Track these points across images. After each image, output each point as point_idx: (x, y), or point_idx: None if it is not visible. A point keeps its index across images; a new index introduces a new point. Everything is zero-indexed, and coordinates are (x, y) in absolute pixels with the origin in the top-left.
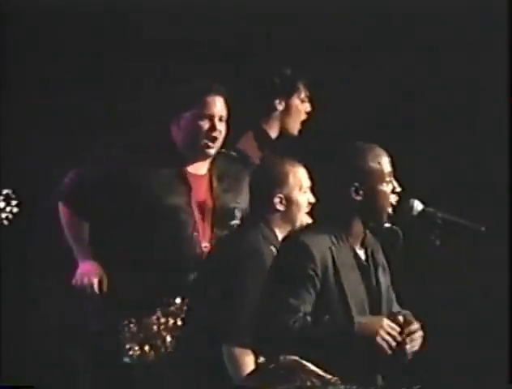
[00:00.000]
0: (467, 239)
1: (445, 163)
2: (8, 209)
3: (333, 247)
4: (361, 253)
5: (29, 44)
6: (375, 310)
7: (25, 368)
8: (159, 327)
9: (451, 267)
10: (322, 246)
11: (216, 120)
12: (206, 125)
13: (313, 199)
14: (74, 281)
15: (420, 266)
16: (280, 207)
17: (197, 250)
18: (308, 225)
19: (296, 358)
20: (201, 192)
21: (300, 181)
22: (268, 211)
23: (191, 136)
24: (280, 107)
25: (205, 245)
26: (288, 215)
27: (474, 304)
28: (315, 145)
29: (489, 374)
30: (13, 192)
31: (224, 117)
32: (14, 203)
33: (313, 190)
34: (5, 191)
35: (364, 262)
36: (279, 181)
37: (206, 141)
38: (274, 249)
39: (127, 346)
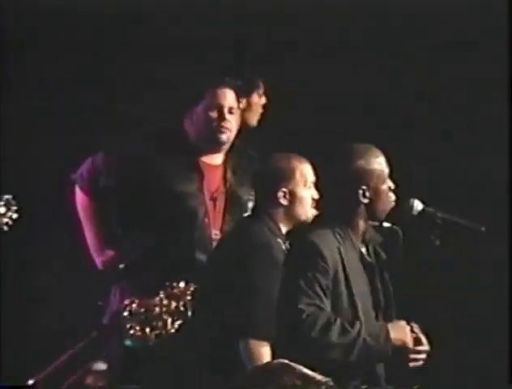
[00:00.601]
0: (467, 239)
1: (445, 163)
2: (8, 214)
3: (341, 247)
4: (364, 250)
5: (29, 44)
6: (381, 306)
7: (25, 368)
8: (161, 309)
9: (451, 267)
10: (331, 246)
11: (226, 111)
12: (215, 115)
13: (317, 196)
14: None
15: (420, 266)
16: (284, 202)
17: (206, 236)
18: (313, 223)
19: (286, 361)
20: (214, 181)
21: (305, 177)
22: (272, 205)
23: (202, 127)
24: (242, 105)
25: (215, 232)
26: (291, 210)
27: (474, 304)
28: (317, 146)
29: (489, 374)
30: (13, 198)
31: (235, 110)
32: (14, 208)
33: (317, 186)
34: (5, 197)
35: (368, 259)
36: (285, 176)
37: (216, 131)
38: (281, 241)
39: (128, 325)
